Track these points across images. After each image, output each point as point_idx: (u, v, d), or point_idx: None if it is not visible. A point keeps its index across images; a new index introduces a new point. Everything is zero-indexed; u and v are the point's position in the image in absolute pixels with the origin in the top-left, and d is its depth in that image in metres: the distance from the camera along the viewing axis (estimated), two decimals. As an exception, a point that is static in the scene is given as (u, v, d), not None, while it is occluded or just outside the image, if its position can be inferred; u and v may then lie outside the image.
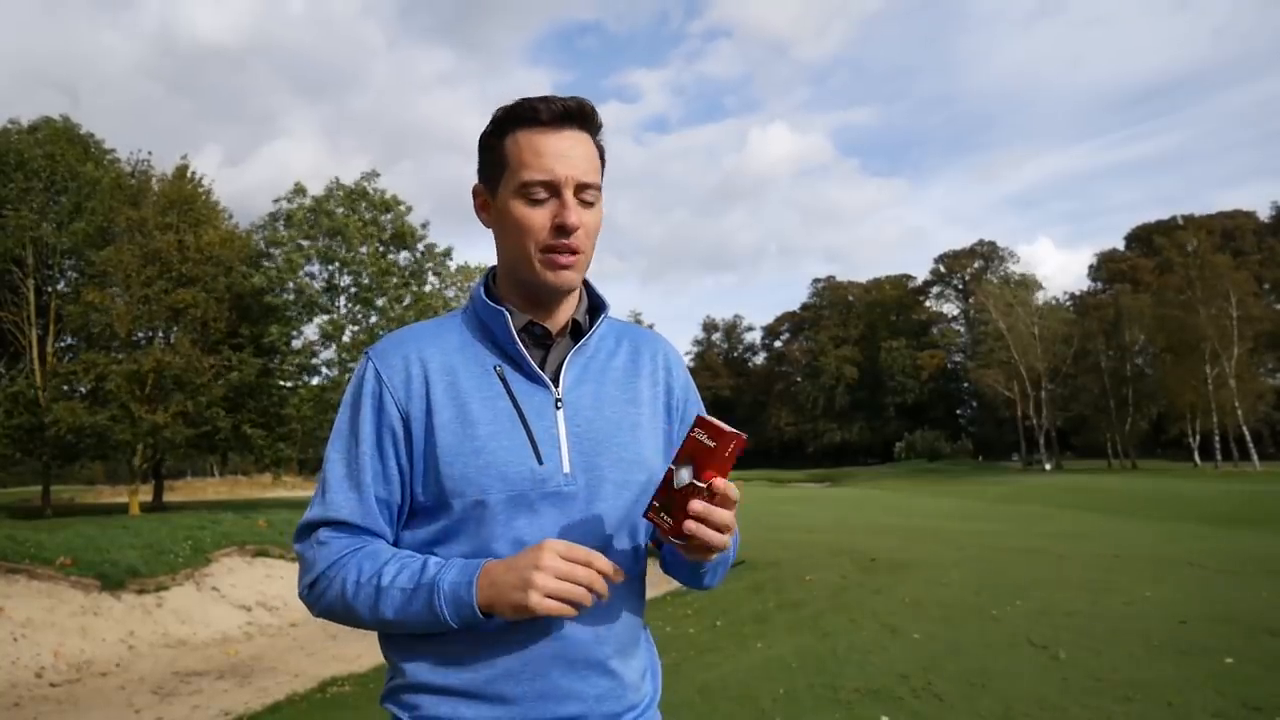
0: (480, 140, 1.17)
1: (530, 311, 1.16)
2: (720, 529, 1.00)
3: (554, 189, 1.10)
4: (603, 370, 1.19)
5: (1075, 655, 5.40)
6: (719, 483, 0.99)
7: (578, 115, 1.12)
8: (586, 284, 1.23)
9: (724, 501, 1.00)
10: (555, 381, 1.14)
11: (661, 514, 1.02)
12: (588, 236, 1.13)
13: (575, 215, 1.10)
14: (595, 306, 1.23)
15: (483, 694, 1.06)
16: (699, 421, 1.01)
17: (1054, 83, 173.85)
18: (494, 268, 1.23)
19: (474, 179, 1.20)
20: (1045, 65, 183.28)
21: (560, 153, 1.10)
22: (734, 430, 0.99)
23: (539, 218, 1.10)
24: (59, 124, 24.19)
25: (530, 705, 1.06)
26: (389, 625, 1.06)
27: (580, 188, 1.11)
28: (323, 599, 1.09)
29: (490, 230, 1.19)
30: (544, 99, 1.12)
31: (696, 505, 0.99)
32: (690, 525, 0.99)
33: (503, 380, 1.11)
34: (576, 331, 1.20)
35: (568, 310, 1.19)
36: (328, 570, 1.08)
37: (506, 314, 1.13)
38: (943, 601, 7.61)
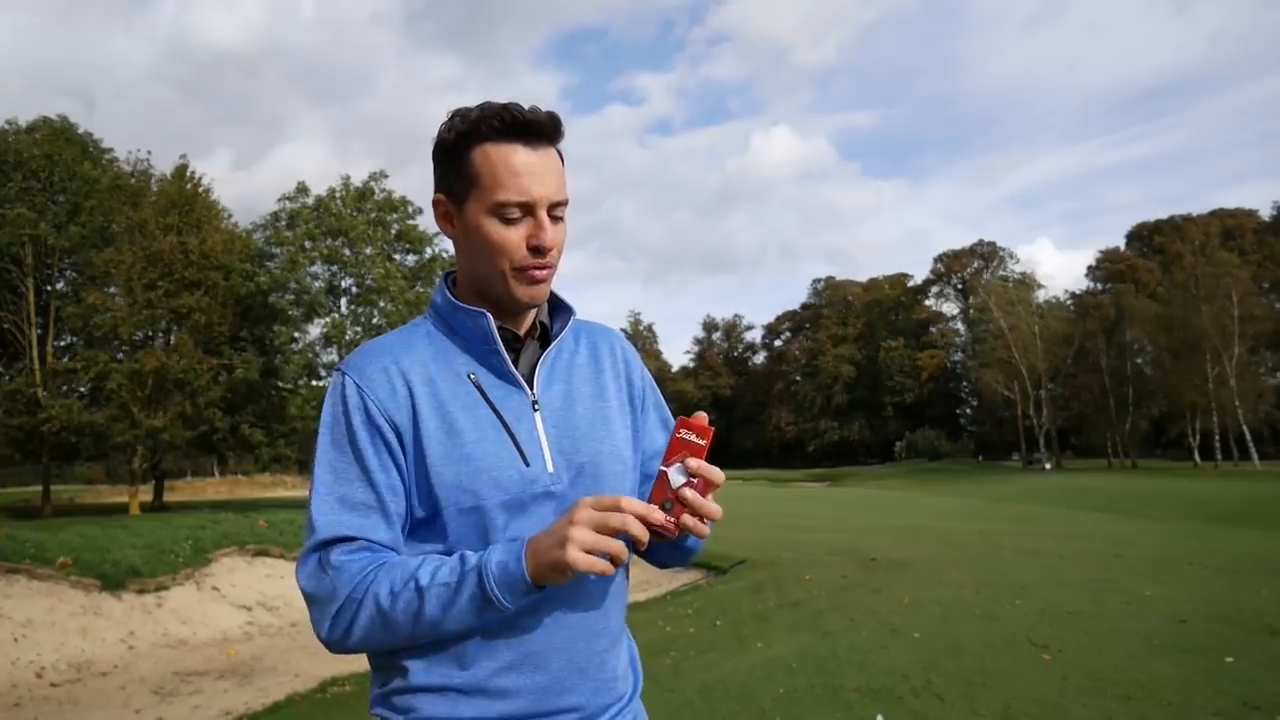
0: (441, 147, 1.13)
1: (498, 318, 1.16)
2: (712, 513, 1.05)
3: (529, 209, 1.09)
4: (569, 368, 1.20)
5: (1075, 655, 5.40)
6: (693, 463, 1.03)
7: (550, 130, 1.11)
8: None
9: (712, 485, 1.05)
10: (529, 383, 1.15)
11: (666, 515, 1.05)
12: (558, 252, 1.14)
13: (551, 236, 1.10)
14: (553, 306, 1.24)
15: (484, 689, 1.06)
16: (683, 423, 1.06)
17: (1053, 85, 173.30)
18: (452, 273, 1.22)
19: None
20: (1044, 68, 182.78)
21: (534, 172, 1.08)
22: (709, 425, 1.07)
23: (514, 237, 1.09)
24: (57, 124, 24.19)
25: (532, 699, 1.06)
26: (433, 629, 1.02)
27: (553, 205, 1.11)
28: (354, 627, 1.02)
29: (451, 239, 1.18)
30: (510, 109, 1.08)
31: (687, 493, 1.04)
32: (688, 519, 1.03)
33: (478, 387, 1.12)
34: (542, 333, 1.21)
35: (531, 313, 1.20)
36: (353, 593, 1.02)
37: (488, 316, 1.13)
38: (943, 601, 7.61)
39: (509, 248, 1.10)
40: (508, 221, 1.09)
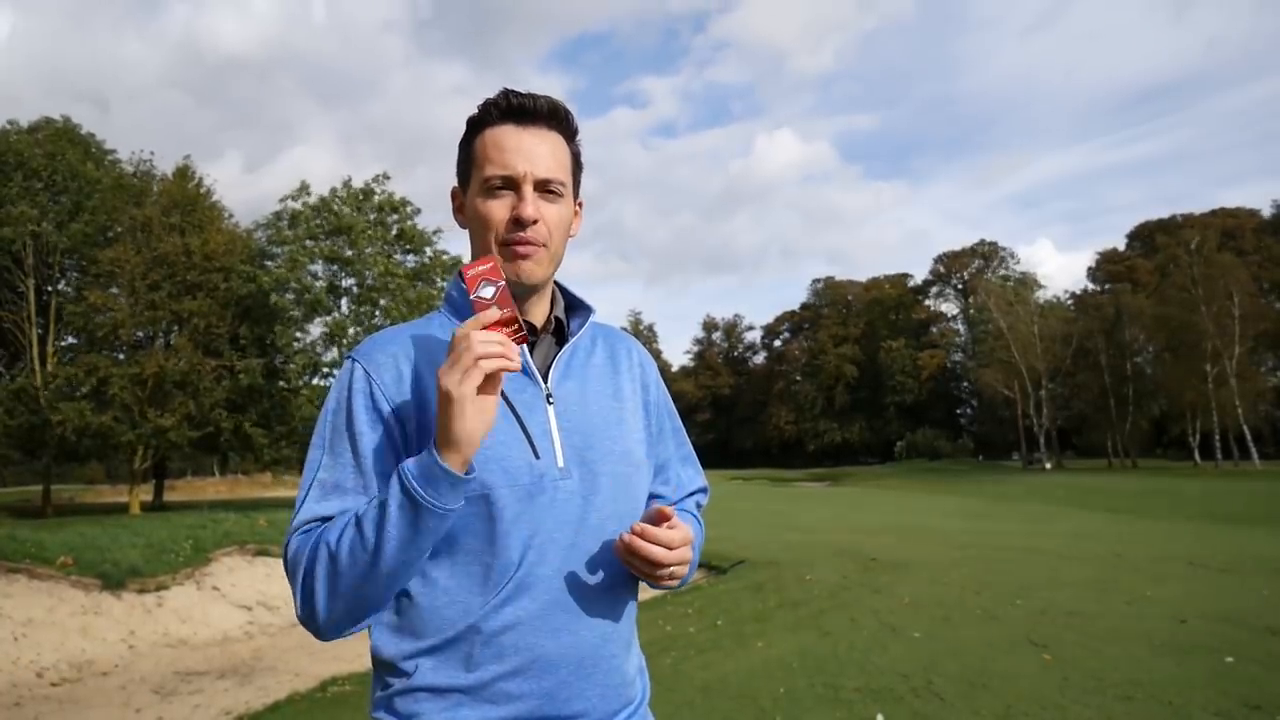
0: (460, 141, 1.19)
1: None
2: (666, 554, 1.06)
3: (513, 184, 1.11)
4: (584, 366, 1.20)
5: (1075, 655, 5.40)
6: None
7: (546, 113, 1.13)
8: (559, 285, 1.25)
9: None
10: (543, 378, 1.15)
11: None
12: (550, 230, 1.14)
13: (532, 208, 1.11)
14: (570, 305, 1.25)
15: (487, 694, 1.05)
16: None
17: (1053, 86, 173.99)
18: None
19: None
20: (1044, 70, 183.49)
21: (521, 148, 1.11)
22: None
23: (498, 211, 1.12)
24: (59, 124, 24.18)
25: (536, 704, 1.05)
26: (378, 556, 0.98)
27: (542, 183, 1.12)
28: (315, 587, 1.01)
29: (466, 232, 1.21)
30: (510, 94, 1.12)
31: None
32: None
33: None
34: (558, 329, 1.21)
35: (544, 308, 1.20)
36: (311, 552, 1.02)
37: None
38: (943, 601, 7.61)
39: (493, 220, 1.12)
40: (493, 196, 1.12)
